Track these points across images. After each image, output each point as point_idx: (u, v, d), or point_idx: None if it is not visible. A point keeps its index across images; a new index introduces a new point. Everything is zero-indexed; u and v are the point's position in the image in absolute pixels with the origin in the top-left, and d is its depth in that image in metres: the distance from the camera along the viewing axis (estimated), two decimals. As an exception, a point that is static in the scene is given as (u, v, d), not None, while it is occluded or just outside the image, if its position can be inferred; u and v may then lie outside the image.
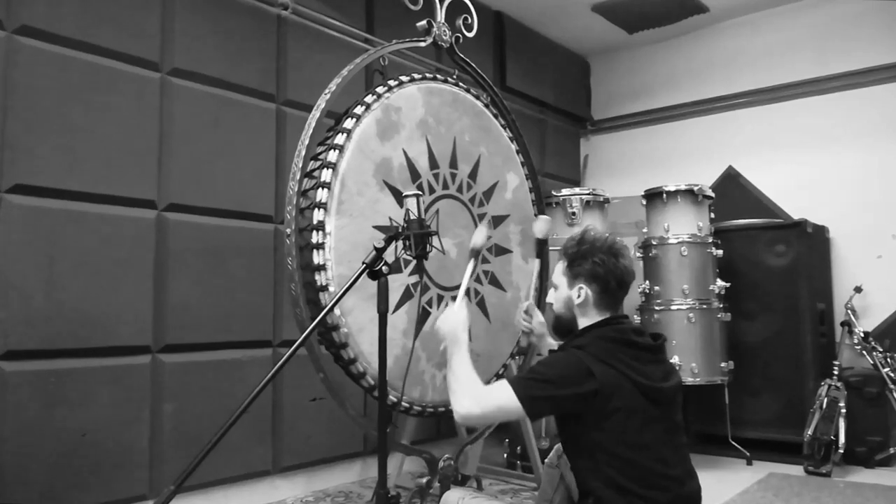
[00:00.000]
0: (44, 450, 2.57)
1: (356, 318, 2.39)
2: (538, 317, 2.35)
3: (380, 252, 1.99)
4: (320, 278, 2.37)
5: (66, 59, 2.70)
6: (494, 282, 2.95)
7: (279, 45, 3.48)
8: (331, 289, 2.35)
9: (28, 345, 2.55)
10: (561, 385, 1.73)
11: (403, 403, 2.53)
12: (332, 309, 2.16)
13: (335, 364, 2.53)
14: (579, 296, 1.92)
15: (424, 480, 2.67)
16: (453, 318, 2.02)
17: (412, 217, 2.18)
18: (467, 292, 2.36)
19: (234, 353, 3.18)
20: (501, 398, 1.75)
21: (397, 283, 2.52)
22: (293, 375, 3.32)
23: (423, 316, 2.61)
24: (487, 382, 2.89)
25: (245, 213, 3.27)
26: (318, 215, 2.38)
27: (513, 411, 1.75)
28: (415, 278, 2.57)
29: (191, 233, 3.05)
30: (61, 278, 2.64)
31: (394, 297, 2.50)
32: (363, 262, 1.98)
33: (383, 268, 1.98)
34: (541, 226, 2.66)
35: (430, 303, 2.66)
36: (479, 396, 1.80)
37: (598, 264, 1.90)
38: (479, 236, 2.39)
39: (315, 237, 2.37)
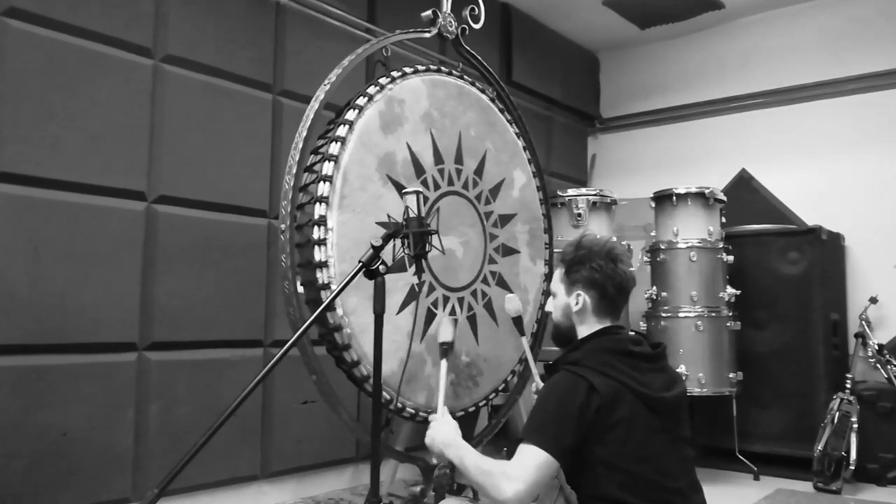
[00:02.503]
0: (23, 448, 2.56)
1: (360, 318, 2.37)
2: None
3: (377, 250, 1.98)
4: (322, 276, 2.35)
5: (55, 43, 2.69)
6: (502, 283, 2.94)
7: (277, 33, 3.47)
8: (333, 287, 2.33)
9: (9, 339, 2.55)
10: (568, 410, 1.71)
11: (408, 409, 2.52)
12: (328, 309, 2.15)
13: (331, 366, 2.52)
14: (577, 303, 1.92)
15: (418, 489, 2.66)
16: (444, 430, 2.01)
17: (411, 215, 2.17)
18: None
19: (224, 352, 3.17)
20: (531, 459, 1.70)
21: (401, 283, 2.51)
22: (284, 377, 3.32)
23: (429, 318, 2.60)
24: (496, 391, 2.91)
25: (238, 208, 3.26)
26: (319, 210, 2.37)
27: (547, 464, 1.69)
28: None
29: (181, 226, 3.05)
30: (45, 270, 2.64)
31: (398, 298, 2.49)
32: (359, 261, 1.97)
33: (380, 267, 1.97)
34: (509, 304, 2.60)
35: (435, 304, 2.65)
36: (515, 473, 1.71)
37: (596, 270, 1.89)
38: (448, 330, 2.37)
39: (316, 233, 2.36)
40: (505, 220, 2.99)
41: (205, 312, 3.11)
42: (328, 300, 2.04)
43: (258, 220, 3.35)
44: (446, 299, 2.69)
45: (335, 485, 3.66)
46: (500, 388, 2.94)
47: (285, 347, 1.82)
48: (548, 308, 2.07)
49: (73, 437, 2.68)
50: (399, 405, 2.46)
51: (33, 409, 2.59)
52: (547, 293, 3.17)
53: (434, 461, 2.04)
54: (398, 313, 2.49)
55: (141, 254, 2.92)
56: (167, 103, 3.03)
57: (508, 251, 2.99)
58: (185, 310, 3.04)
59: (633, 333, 1.96)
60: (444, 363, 2.34)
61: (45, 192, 2.65)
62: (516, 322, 2.61)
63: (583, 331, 1.93)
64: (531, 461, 1.70)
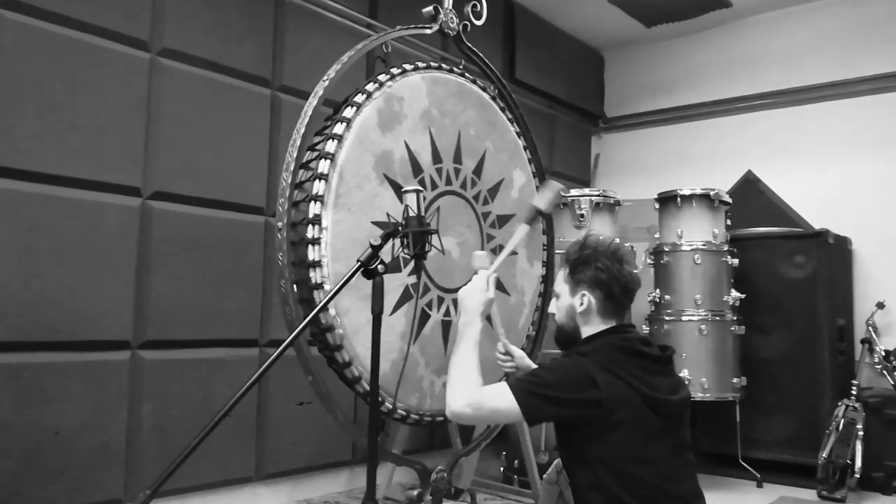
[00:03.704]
0: (13, 447, 2.56)
1: (352, 319, 2.38)
2: (516, 352, 2.32)
3: (376, 250, 1.98)
4: (315, 275, 2.35)
5: (50, 35, 2.70)
6: (499, 285, 2.93)
7: (276, 27, 3.48)
8: (326, 286, 2.34)
9: (1, 336, 2.55)
10: (561, 390, 1.75)
11: (400, 411, 2.52)
12: (323, 309, 2.15)
13: (327, 367, 2.52)
14: (582, 303, 1.92)
15: (415, 493, 2.66)
16: (479, 299, 2.05)
17: (411, 214, 2.17)
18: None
19: (219, 351, 3.18)
20: (498, 401, 1.78)
21: (396, 283, 2.51)
22: (280, 377, 3.32)
23: (423, 319, 2.60)
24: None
25: (235, 205, 3.27)
26: (314, 209, 2.37)
27: (509, 414, 1.78)
28: (414, 278, 2.56)
29: (177, 223, 3.05)
30: (38, 267, 2.64)
31: (392, 298, 2.49)
32: (358, 260, 1.98)
33: (379, 267, 1.98)
34: (479, 261, 2.29)
35: (429, 305, 2.66)
36: (475, 396, 1.83)
37: (602, 270, 1.90)
38: (550, 194, 2.29)
39: (311, 232, 2.36)
40: (503, 220, 2.99)
41: (200, 311, 3.11)
42: (324, 302, 2.04)
43: (255, 217, 3.35)
44: (441, 300, 2.69)
45: (331, 488, 3.66)
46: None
47: (281, 347, 1.82)
48: (551, 309, 2.07)
49: (64, 437, 2.68)
50: (389, 406, 2.46)
51: (24, 408, 2.59)
52: (544, 295, 3.17)
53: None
54: (391, 314, 2.49)
55: (135, 251, 2.92)
56: (164, 98, 3.03)
57: (506, 252, 2.99)
58: (179, 308, 3.04)
59: (642, 334, 1.97)
60: (524, 227, 2.30)
61: (39, 187, 2.66)
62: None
63: (587, 332, 1.94)
64: (499, 400, 1.78)
